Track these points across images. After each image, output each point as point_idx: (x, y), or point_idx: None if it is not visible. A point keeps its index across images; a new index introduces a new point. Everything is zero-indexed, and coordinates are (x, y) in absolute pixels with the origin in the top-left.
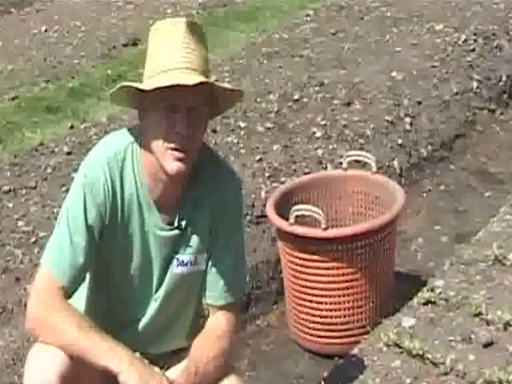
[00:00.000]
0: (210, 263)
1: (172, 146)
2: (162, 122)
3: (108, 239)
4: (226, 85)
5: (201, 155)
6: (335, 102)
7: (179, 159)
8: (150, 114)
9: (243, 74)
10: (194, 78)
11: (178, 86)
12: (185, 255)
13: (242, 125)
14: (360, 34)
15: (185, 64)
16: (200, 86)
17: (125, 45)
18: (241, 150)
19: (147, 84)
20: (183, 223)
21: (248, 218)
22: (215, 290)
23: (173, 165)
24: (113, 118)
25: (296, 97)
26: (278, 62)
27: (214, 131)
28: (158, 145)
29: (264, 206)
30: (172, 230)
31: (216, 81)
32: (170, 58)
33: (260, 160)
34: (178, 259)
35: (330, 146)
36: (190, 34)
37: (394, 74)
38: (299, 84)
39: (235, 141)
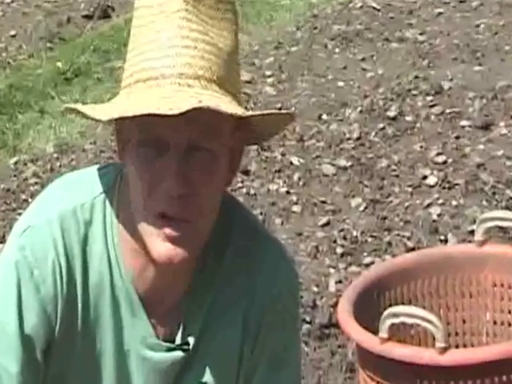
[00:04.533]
0: None
1: (159, 210)
2: (143, 170)
3: (59, 360)
4: (247, 112)
5: (222, 219)
6: (462, 122)
7: (173, 240)
8: (129, 153)
9: (298, 69)
10: (189, 98)
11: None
12: None
13: (296, 161)
14: (508, 1)
15: (180, 68)
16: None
17: (88, 17)
18: (293, 208)
19: (106, 108)
20: (191, 340)
21: (306, 327)
22: None
23: (161, 248)
24: (66, 147)
25: (392, 113)
26: (359, 51)
27: (246, 172)
28: (138, 207)
29: (334, 306)
30: (171, 350)
31: (237, 97)
32: (156, 54)
33: (327, 225)
34: None
35: (454, 202)
36: (198, 10)
37: None
38: (398, 90)
39: (283, 190)
